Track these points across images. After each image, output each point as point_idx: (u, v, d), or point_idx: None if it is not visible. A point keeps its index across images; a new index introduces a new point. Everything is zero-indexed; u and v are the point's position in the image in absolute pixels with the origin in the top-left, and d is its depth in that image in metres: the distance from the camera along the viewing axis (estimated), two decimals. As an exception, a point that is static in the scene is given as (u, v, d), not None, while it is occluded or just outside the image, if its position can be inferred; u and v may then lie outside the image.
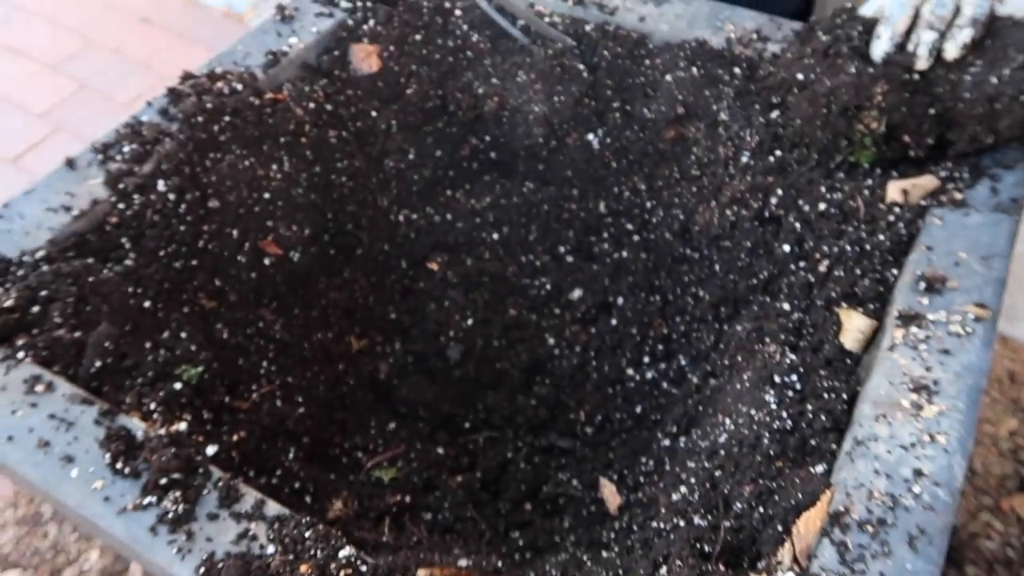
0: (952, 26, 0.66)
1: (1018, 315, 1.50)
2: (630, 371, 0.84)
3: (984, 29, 0.66)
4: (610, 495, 0.74)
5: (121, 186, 0.68)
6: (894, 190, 0.66)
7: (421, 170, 0.91)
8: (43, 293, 0.60)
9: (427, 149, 0.90)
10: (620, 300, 0.87)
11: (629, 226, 0.89)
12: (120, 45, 1.90)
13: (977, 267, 0.59)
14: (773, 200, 0.73)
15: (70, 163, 0.70)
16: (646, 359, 0.84)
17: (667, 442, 0.72)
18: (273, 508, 0.50)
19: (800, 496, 0.49)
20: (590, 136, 0.86)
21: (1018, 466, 1.25)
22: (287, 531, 0.48)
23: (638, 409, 0.82)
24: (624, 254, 0.88)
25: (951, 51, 0.65)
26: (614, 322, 0.87)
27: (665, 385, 0.81)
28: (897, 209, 0.65)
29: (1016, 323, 1.48)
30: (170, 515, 0.48)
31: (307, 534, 0.48)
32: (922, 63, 0.66)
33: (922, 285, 0.58)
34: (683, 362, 0.81)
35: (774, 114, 0.75)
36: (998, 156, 0.67)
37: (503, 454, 0.83)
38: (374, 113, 0.86)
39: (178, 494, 0.49)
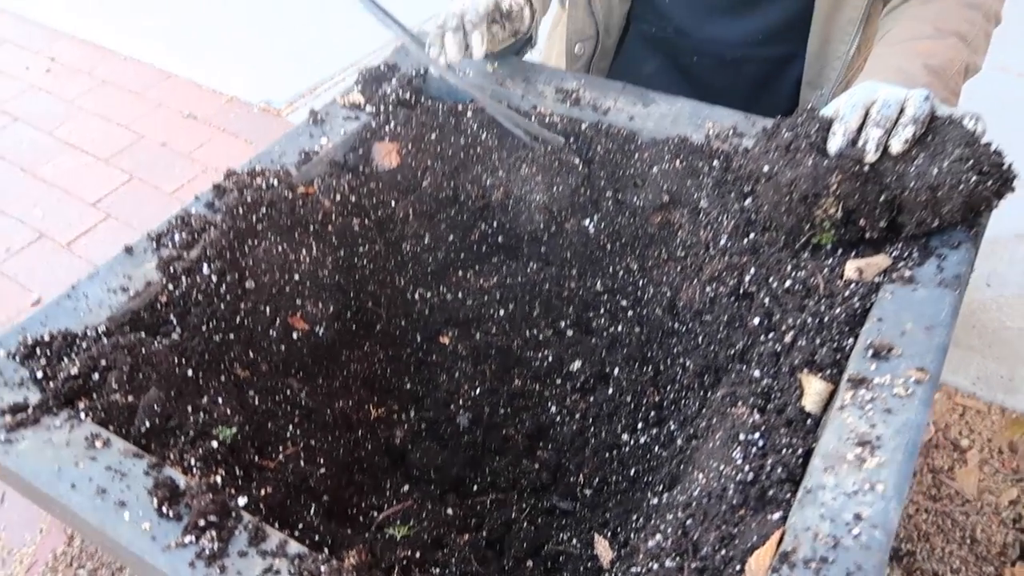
0: (897, 124, 0.75)
1: (1018, 387, 1.54)
2: (625, 436, 0.91)
3: (924, 127, 0.75)
4: (603, 550, 0.80)
5: (171, 270, 0.78)
6: (851, 268, 0.74)
7: (435, 253, 1.01)
8: (103, 363, 0.70)
9: (440, 234, 1.01)
10: (616, 370, 0.95)
11: (623, 302, 0.97)
12: (167, 139, 2.07)
13: (921, 336, 0.66)
14: (747, 278, 0.81)
15: (128, 250, 0.81)
16: (640, 425, 0.91)
17: (655, 500, 0.79)
18: (295, 547, 0.57)
19: (756, 539, 0.55)
20: (586, 222, 0.96)
21: (1019, 535, 1.27)
22: (306, 566, 0.55)
23: (632, 471, 0.89)
24: (619, 328, 0.96)
25: (896, 146, 0.74)
26: (611, 391, 0.94)
27: (656, 449, 0.88)
28: (853, 285, 0.73)
29: (1016, 394, 1.52)
30: (206, 552, 0.56)
31: (323, 568, 0.55)
32: (871, 156, 0.74)
33: (871, 352, 0.65)
34: (672, 427, 0.88)
35: (747, 201, 0.84)
36: (947, 237, 0.75)
37: (508, 515, 0.89)
38: (393, 203, 0.97)
39: (213, 534, 0.57)
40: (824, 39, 0.99)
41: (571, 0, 1.10)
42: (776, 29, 1.02)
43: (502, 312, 1.00)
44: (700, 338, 0.86)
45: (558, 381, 0.97)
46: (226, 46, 2.42)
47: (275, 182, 0.87)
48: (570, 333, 0.99)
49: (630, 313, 0.96)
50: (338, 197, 0.91)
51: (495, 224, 1.01)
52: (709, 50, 1.07)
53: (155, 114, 2.15)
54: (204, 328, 0.78)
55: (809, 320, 0.72)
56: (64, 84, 2.26)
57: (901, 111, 0.75)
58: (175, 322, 0.77)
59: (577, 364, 0.97)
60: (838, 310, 0.71)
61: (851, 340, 0.69)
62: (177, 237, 0.82)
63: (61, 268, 1.63)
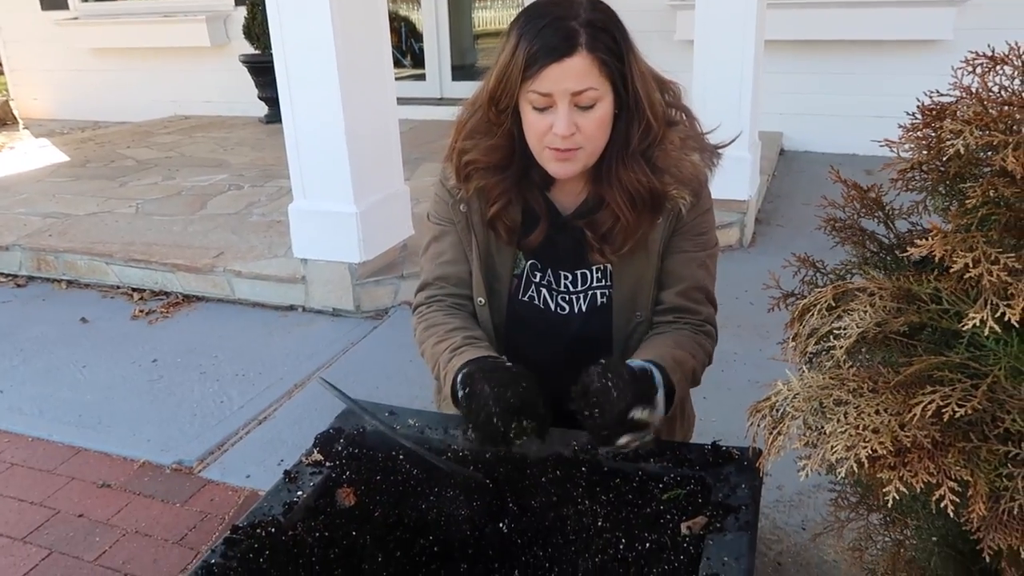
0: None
1: (845, 610, 1.92)
2: None
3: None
4: None
5: (206, 609, 1.04)
6: (684, 527, 1.13)
7: (387, 567, 1.30)
8: None
9: (390, 552, 1.30)
10: (541, 638, 1.24)
11: (537, 583, 1.29)
12: (83, 510, 2.22)
13: (734, 564, 1.04)
14: (621, 547, 1.17)
15: (169, 599, 1.05)
16: (567, 678, 1.18)
17: None
18: None
19: None
20: (500, 525, 1.30)
21: None
22: None
23: None
24: (537, 603, 1.27)
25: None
26: (540, 656, 1.22)
27: None
28: (688, 538, 1.11)
29: (845, 617, 1.89)
30: None
31: None
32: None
33: (706, 580, 1.02)
34: (592, 672, 1.16)
35: (611, 495, 1.23)
36: (739, 498, 1.17)
37: None
38: (354, 532, 1.27)
39: None
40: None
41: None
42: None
43: (446, 608, 1.28)
44: (598, 598, 1.19)
45: (498, 657, 1.24)
46: (131, 416, 2.67)
47: (272, 530, 1.17)
48: (501, 615, 1.28)
49: (543, 590, 1.28)
50: (316, 534, 1.21)
51: (431, 537, 1.32)
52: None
53: (69, 488, 2.32)
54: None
55: (666, 567, 1.08)
56: (-31, 471, 2.38)
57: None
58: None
59: (510, 639, 1.25)
60: (683, 557, 1.08)
61: (693, 574, 1.05)
62: (206, 583, 1.07)
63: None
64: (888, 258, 1.21)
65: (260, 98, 6.83)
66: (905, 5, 5.13)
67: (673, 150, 1.34)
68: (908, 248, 1.18)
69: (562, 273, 1.46)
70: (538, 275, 1.48)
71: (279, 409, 2.65)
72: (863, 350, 0.96)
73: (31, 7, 7.88)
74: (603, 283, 1.46)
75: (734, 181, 3.84)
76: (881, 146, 1.15)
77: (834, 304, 0.96)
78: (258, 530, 1.17)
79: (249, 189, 4.79)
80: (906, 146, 1.11)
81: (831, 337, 0.93)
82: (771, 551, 1.94)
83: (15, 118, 7.78)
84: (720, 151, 1.44)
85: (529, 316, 1.49)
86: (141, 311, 3.52)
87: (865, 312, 0.91)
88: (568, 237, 1.43)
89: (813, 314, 0.97)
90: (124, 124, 7.50)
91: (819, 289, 1.00)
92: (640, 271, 1.42)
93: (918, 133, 1.07)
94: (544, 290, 1.48)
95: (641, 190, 1.33)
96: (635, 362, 1.27)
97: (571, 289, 1.47)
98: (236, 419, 2.60)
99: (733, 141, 1.48)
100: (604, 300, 1.46)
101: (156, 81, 7.66)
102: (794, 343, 0.99)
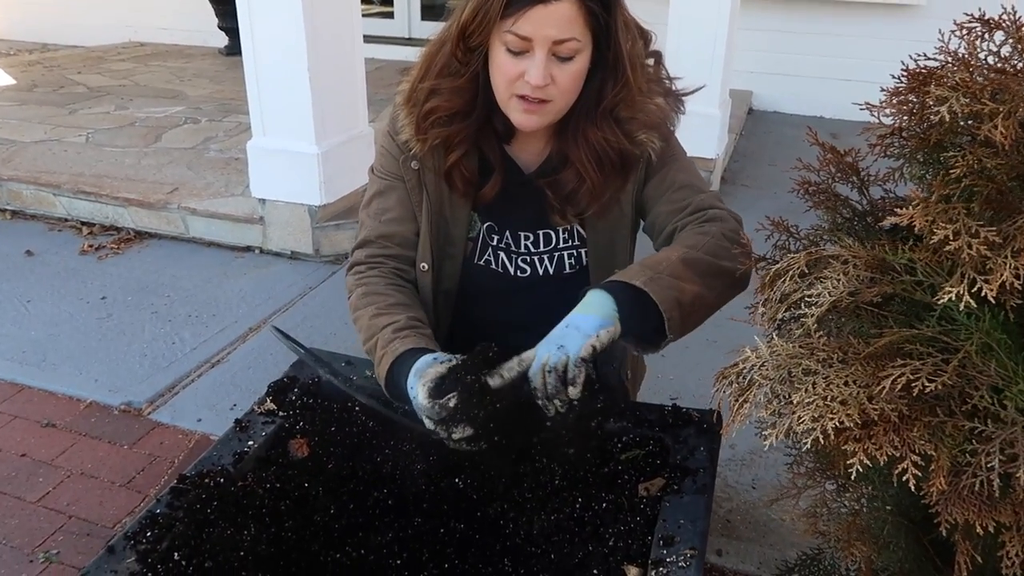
0: (567, 387, 1.04)
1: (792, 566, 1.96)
2: (508, 644, 1.18)
3: (584, 374, 1.04)
4: None
5: (149, 560, 1.00)
6: (641, 489, 1.13)
7: (340, 519, 1.28)
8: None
9: (343, 504, 1.28)
10: (493, 593, 1.23)
11: (493, 540, 1.28)
12: (27, 450, 2.16)
13: (690, 527, 1.04)
14: (577, 506, 1.16)
15: (110, 550, 1.02)
16: (518, 633, 1.18)
17: None
18: None
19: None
20: (456, 480, 1.29)
21: None
22: None
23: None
24: (490, 562, 1.26)
25: (573, 395, 1.05)
26: (492, 610, 1.21)
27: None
28: (645, 500, 1.10)
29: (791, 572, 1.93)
30: None
31: None
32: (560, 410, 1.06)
33: (662, 542, 1.02)
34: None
35: (572, 451, 1.22)
36: (697, 460, 1.16)
37: None
38: (306, 484, 1.24)
39: None
40: None
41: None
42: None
43: (399, 561, 1.27)
44: (552, 555, 1.19)
45: (450, 610, 1.23)
46: (78, 354, 2.59)
47: (221, 480, 1.13)
48: (457, 564, 1.27)
49: (497, 547, 1.27)
50: (267, 486, 1.18)
51: (386, 491, 1.30)
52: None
53: (10, 426, 2.24)
54: (179, 604, 0.99)
55: (622, 528, 1.08)
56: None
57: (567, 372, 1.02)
58: (157, 602, 0.98)
59: (463, 593, 1.24)
60: (639, 518, 1.08)
61: (649, 537, 1.05)
62: (149, 534, 1.04)
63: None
64: (860, 225, 1.19)
65: (220, 28, 6.55)
66: (881, -33, 5.09)
67: (638, 95, 1.27)
68: (884, 216, 1.17)
69: (522, 234, 1.40)
70: (495, 238, 1.41)
71: (233, 353, 2.60)
72: (833, 319, 0.95)
73: (-25, -83, 7.41)
74: (571, 244, 1.40)
75: (703, 139, 3.80)
76: (861, 109, 1.12)
77: (807, 271, 0.94)
78: (206, 480, 1.13)
79: (206, 123, 4.62)
80: (887, 111, 1.09)
81: (802, 304, 0.91)
82: (721, 508, 1.97)
83: (-43, 36, 7.37)
84: (684, 99, 1.37)
85: (485, 281, 1.43)
86: (90, 246, 3.39)
87: (838, 280, 0.89)
88: (528, 196, 1.36)
89: (785, 280, 0.94)
90: (75, 48, 7.15)
91: (792, 255, 0.97)
92: (614, 227, 1.37)
93: (901, 98, 1.04)
94: (502, 253, 1.42)
95: (610, 151, 1.27)
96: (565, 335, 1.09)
97: (532, 250, 1.41)
98: (188, 361, 2.54)
99: (697, 90, 1.42)
100: (574, 262, 1.41)
101: (110, 3, 7.29)
102: (764, 309, 0.97)
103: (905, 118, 1.04)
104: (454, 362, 1.11)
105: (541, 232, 1.39)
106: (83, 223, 3.57)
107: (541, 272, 1.41)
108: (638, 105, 1.27)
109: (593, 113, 1.25)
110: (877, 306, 0.88)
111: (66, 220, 3.61)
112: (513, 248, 1.41)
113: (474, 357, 1.10)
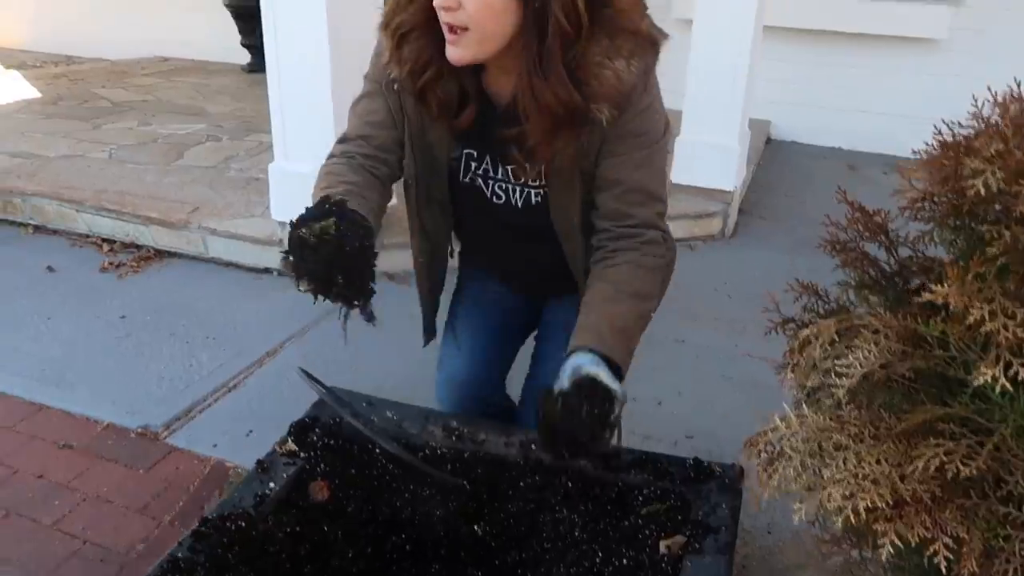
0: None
1: (805, 614, 1.94)
2: None
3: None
4: None
5: (170, 607, 1.00)
6: (662, 546, 1.12)
7: (358, 563, 1.27)
8: None
9: (361, 549, 1.28)
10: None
11: (509, 587, 1.27)
12: (43, 471, 2.17)
13: (712, 589, 1.03)
14: (597, 559, 1.16)
15: (132, 595, 1.02)
16: None
17: None
18: None
19: None
20: (475, 527, 1.28)
21: None
22: None
23: None
24: (508, 608, 1.25)
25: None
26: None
27: None
28: (666, 557, 1.10)
29: (804, 621, 1.91)
30: None
31: None
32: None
33: (684, 605, 1.01)
34: None
35: (591, 505, 1.21)
36: (718, 518, 1.16)
37: None
38: (325, 528, 1.24)
39: None
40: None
41: (408, 223, 1.49)
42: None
43: (415, 607, 1.27)
44: (571, 609, 1.18)
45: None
46: (96, 375, 2.61)
47: (242, 524, 1.13)
48: (470, 618, 1.26)
49: (515, 596, 1.26)
50: (287, 529, 1.18)
51: (404, 535, 1.30)
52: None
53: (29, 446, 2.25)
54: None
55: (643, 587, 1.07)
56: (-76, 422, 2.31)
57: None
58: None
59: (479, 643, 1.23)
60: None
61: (671, 597, 1.04)
62: (170, 578, 1.04)
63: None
64: (887, 285, 1.19)
65: (243, 45, 6.62)
66: (901, 0, 5.10)
67: (595, 55, 1.19)
68: (914, 284, 1.17)
69: (499, 164, 1.38)
70: (474, 164, 1.40)
71: (249, 377, 2.60)
72: (864, 388, 0.94)
73: (8, -70, 7.55)
74: (537, 183, 1.36)
75: (721, 171, 3.80)
76: (886, 174, 1.12)
77: (836, 339, 0.94)
78: (228, 523, 1.13)
79: (228, 142, 4.66)
80: (919, 173, 1.09)
81: (832, 374, 0.91)
82: (737, 555, 1.95)
83: (-16, 46, 7.48)
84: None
85: (469, 199, 1.44)
86: (111, 263, 3.42)
87: (869, 351, 0.88)
88: (501, 132, 1.31)
89: (815, 347, 0.94)
90: (99, 61, 7.25)
91: (821, 320, 0.97)
92: (567, 182, 1.33)
93: (934, 163, 1.04)
94: (480, 179, 1.41)
95: (559, 107, 1.20)
96: (582, 365, 1.15)
97: (504, 180, 1.39)
98: (205, 384, 2.55)
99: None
100: (539, 200, 1.38)
101: (136, 18, 7.38)
102: (793, 374, 0.97)
103: (938, 186, 1.04)
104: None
105: (511, 167, 1.37)
106: (104, 239, 3.60)
107: (512, 202, 1.40)
108: (592, 70, 1.20)
109: (537, 65, 1.18)
110: (910, 380, 0.87)
111: (87, 236, 3.64)
112: (491, 174, 1.40)
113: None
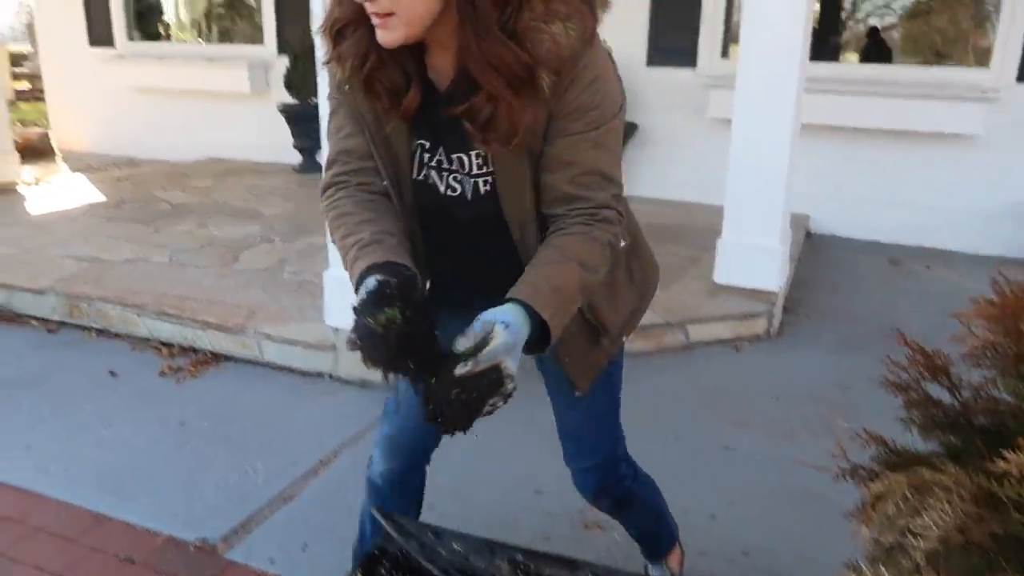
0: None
1: None
2: None
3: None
4: None
5: None
6: None
7: None
8: None
9: None
10: None
11: None
12: (105, 586, 2.20)
13: None
14: None
15: None
16: None
17: None
18: None
19: None
20: (544, 667, 1.28)
21: None
22: None
23: None
24: None
25: None
26: None
27: None
28: None
29: None
30: None
31: None
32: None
33: None
34: None
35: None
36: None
37: None
38: (396, 667, 1.25)
39: None
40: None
41: None
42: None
43: None
44: None
45: None
46: (155, 484, 2.67)
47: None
48: None
49: None
50: (360, 671, 1.20)
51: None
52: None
53: (90, 560, 2.29)
54: None
55: None
56: (-8, 532, 2.38)
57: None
58: None
59: None
60: None
61: None
62: None
63: None
64: (953, 426, 1.20)
65: (295, 147, 6.94)
66: (937, 98, 5.19)
67: (529, 20, 1.18)
68: (978, 416, 1.18)
69: (454, 154, 1.36)
70: (427, 155, 1.39)
71: (305, 488, 2.64)
72: (942, 550, 0.95)
73: (79, 42, 8.11)
74: (484, 170, 1.35)
75: (764, 272, 3.84)
76: (946, 320, 1.16)
77: (909, 496, 0.96)
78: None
79: (280, 244, 4.84)
80: (979, 321, 1.12)
81: (908, 532, 0.92)
82: None
83: (53, 150, 7.92)
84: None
85: (425, 198, 1.42)
86: (169, 367, 3.53)
87: (943, 510, 0.90)
88: (448, 117, 1.30)
89: (888, 504, 0.96)
90: (159, 163, 7.63)
91: (893, 475, 0.99)
92: (515, 165, 1.31)
93: (992, 317, 1.07)
94: (434, 172, 1.40)
95: (513, 67, 1.19)
96: (493, 319, 1.18)
97: (459, 170, 1.37)
98: (261, 494, 2.59)
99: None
100: (488, 188, 1.36)
101: (194, 123, 7.81)
102: (868, 529, 0.98)
103: (1000, 336, 1.07)
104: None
105: (464, 155, 1.36)
106: (163, 343, 3.73)
107: (467, 195, 1.38)
108: (529, 34, 1.19)
109: (477, 29, 1.19)
110: (989, 547, 0.88)
111: (148, 340, 3.78)
112: (444, 166, 1.39)
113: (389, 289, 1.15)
